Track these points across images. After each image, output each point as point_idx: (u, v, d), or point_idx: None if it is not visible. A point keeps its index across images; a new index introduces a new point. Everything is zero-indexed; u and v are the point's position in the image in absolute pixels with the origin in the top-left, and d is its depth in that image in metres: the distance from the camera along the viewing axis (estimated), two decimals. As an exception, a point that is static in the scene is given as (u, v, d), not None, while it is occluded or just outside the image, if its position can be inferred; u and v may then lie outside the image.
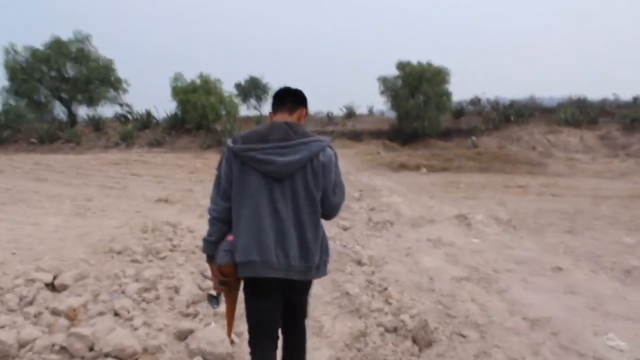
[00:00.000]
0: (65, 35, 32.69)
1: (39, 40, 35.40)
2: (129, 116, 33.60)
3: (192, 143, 27.62)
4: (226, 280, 2.76)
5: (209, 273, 5.38)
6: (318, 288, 5.19)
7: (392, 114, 36.59)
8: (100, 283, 5.01)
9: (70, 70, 33.04)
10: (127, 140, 28.12)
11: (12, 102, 32.57)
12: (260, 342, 2.85)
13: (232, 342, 3.82)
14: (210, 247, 2.80)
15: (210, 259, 2.83)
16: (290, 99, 2.86)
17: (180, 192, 12.92)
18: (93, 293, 4.74)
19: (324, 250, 2.83)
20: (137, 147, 27.61)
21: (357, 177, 17.50)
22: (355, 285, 5.15)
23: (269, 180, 2.62)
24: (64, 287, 4.98)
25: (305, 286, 2.91)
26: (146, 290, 4.91)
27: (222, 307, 3.13)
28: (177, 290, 4.89)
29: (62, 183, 14.27)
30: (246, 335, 2.96)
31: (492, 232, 7.97)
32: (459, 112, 36.10)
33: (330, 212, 2.84)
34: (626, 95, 34.26)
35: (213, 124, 28.40)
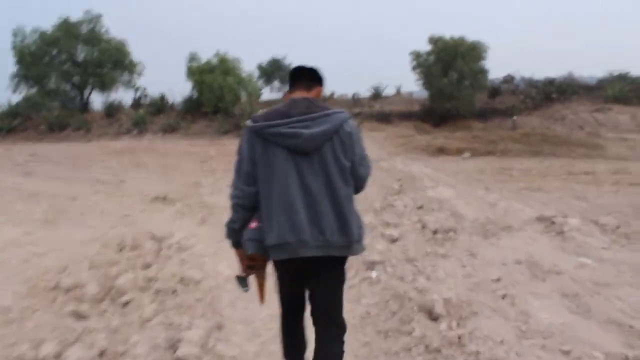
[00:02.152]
0: (76, 16, 30.70)
1: (48, 22, 33.17)
2: (144, 101, 31.51)
3: (209, 128, 25.49)
4: (253, 264, 2.67)
5: (183, 349, 3.30)
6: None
7: (421, 95, 34.21)
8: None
9: (81, 53, 31.05)
10: (139, 127, 26.08)
11: (22, 88, 30.74)
12: (290, 322, 2.86)
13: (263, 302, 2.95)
14: (236, 234, 2.67)
15: (236, 245, 2.71)
16: (307, 76, 2.74)
17: (184, 187, 10.84)
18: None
19: (361, 224, 2.67)
20: (150, 134, 25.58)
21: (392, 164, 15.20)
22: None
23: (296, 156, 2.48)
24: None
25: (339, 265, 2.68)
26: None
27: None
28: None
29: (51, 177, 12.25)
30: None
31: (600, 246, 5.68)
32: (495, 90, 33.47)
33: (358, 184, 2.67)
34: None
35: (232, 107, 26.17)
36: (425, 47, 30.91)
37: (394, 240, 6.23)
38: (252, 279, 2.84)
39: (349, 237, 2.52)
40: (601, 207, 8.29)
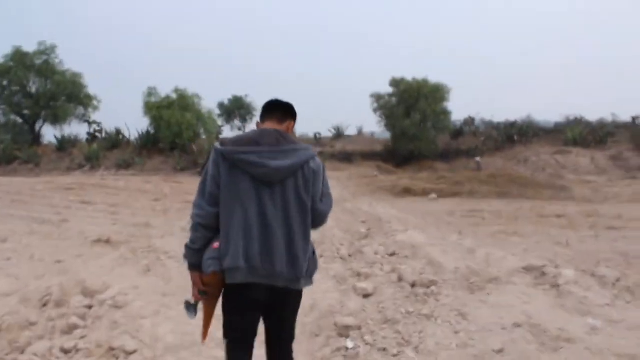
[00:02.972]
0: (29, 47, 29.50)
1: (-1, 52, 31.59)
2: (98, 135, 30.22)
3: (165, 164, 24.48)
4: (207, 290, 2.59)
5: None
6: None
7: (383, 135, 33.99)
8: None
9: (33, 85, 29.75)
10: (92, 161, 24.90)
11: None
12: (236, 353, 2.69)
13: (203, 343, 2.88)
14: (194, 255, 2.61)
15: (193, 267, 2.62)
16: (281, 110, 2.77)
17: (132, 228, 9.83)
18: None
19: (314, 262, 2.72)
20: (103, 169, 24.41)
21: (357, 205, 14.46)
22: None
23: (259, 185, 2.52)
24: None
25: (293, 299, 2.72)
26: None
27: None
28: None
29: (-16, 215, 11.09)
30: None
31: (603, 303, 4.95)
32: (457, 132, 33.57)
33: (317, 220, 2.70)
34: (624, 116, 32.15)
35: (190, 144, 25.19)
36: (386, 88, 30.83)
37: (367, 296, 5.39)
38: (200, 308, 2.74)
39: (297, 271, 2.56)
40: (587, 254, 7.67)
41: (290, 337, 2.83)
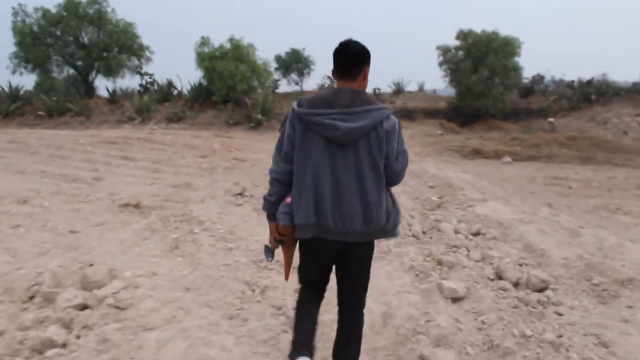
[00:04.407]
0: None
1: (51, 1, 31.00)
2: (151, 87, 29.27)
3: (217, 119, 23.32)
4: (282, 239, 2.72)
5: None
6: None
7: (445, 92, 31.99)
8: None
9: (86, 35, 28.94)
10: (142, 115, 23.96)
11: (22, 70, 28.67)
12: (306, 297, 2.83)
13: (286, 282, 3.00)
14: (271, 206, 2.73)
15: (270, 217, 2.75)
16: (354, 61, 2.65)
17: (170, 190, 8.63)
18: None
19: (395, 214, 2.66)
20: (153, 123, 23.47)
21: (422, 167, 12.92)
22: None
23: (332, 146, 2.53)
24: None
25: (364, 251, 2.73)
26: None
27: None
28: None
29: (14, 170, 10.11)
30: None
31: None
32: (527, 90, 31.19)
33: (392, 178, 2.66)
34: None
35: (244, 97, 23.85)
36: (452, 42, 28.74)
37: (457, 300, 3.97)
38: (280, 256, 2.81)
39: (372, 226, 2.54)
40: None
41: (360, 300, 2.83)
